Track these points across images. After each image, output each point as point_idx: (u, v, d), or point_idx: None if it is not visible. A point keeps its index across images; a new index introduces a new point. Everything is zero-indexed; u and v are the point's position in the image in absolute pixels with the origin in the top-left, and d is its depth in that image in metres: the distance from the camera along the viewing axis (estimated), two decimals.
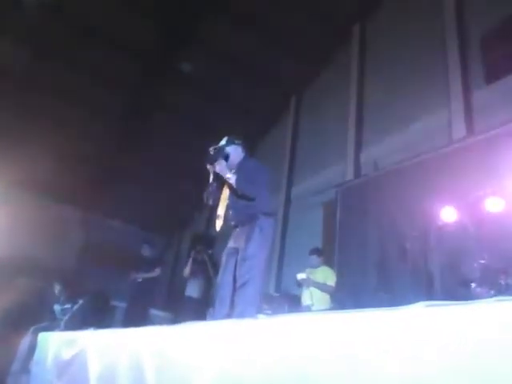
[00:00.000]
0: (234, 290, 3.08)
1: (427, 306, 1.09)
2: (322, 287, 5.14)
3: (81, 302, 6.37)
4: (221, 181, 3.39)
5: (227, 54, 9.36)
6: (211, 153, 3.41)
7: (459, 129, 5.88)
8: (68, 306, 6.34)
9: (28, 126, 9.73)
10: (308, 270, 5.35)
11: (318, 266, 5.36)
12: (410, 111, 6.86)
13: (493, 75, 5.84)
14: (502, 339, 0.87)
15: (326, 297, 5.16)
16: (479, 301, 1.04)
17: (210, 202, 3.39)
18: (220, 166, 3.32)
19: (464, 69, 6.22)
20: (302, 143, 10.06)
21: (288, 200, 9.47)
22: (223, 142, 3.55)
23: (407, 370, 1.00)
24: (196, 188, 12.47)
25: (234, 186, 3.26)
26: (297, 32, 8.97)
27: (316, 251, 5.49)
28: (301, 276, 5.20)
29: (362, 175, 7.37)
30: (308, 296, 5.15)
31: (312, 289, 5.15)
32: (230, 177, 3.29)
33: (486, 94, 5.87)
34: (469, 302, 1.09)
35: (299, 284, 5.31)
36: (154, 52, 9.40)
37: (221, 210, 3.34)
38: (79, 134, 10.40)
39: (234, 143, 3.55)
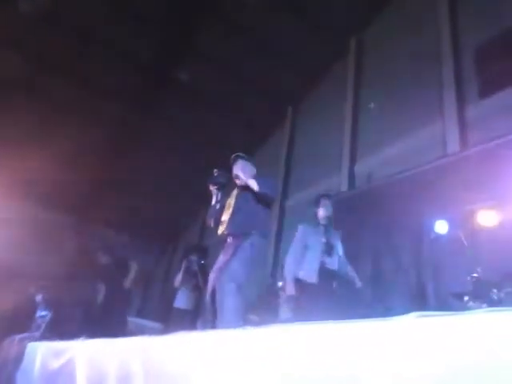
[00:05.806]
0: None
1: (418, 316, 1.07)
2: None
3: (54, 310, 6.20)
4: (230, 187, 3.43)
5: (225, 66, 9.43)
6: (215, 174, 3.45)
7: (453, 142, 5.91)
8: (45, 313, 6.20)
9: (25, 137, 9.72)
10: None
11: None
12: (404, 124, 6.89)
13: (487, 89, 5.89)
14: (494, 349, 0.87)
15: None
16: (471, 311, 1.03)
17: (212, 224, 3.40)
18: (242, 172, 3.37)
19: (458, 83, 6.28)
20: (297, 155, 10.08)
21: (282, 212, 9.45)
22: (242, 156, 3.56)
23: (399, 380, 0.98)
24: (191, 199, 12.56)
25: (256, 189, 3.24)
26: (294, 45, 9.04)
27: None
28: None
29: (356, 187, 7.38)
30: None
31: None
32: (248, 180, 3.31)
33: (480, 108, 5.92)
34: (460, 312, 1.07)
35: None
36: (152, 63, 9.46)
37: (225, 216, 3.32)
38: (76, 145, 10.36)
39: (245, 159, 3.57)
